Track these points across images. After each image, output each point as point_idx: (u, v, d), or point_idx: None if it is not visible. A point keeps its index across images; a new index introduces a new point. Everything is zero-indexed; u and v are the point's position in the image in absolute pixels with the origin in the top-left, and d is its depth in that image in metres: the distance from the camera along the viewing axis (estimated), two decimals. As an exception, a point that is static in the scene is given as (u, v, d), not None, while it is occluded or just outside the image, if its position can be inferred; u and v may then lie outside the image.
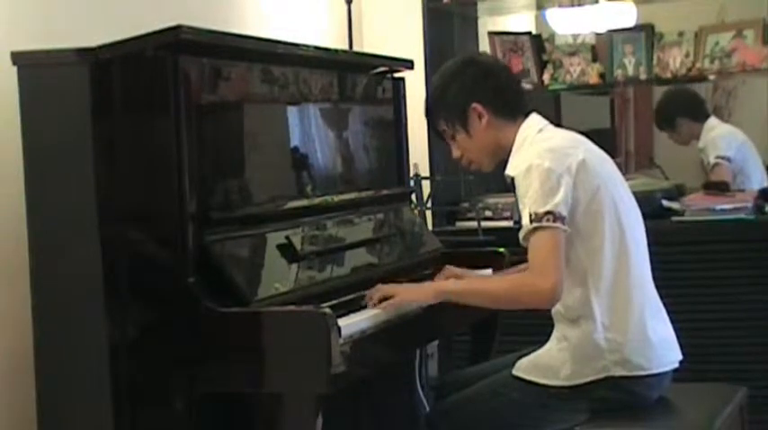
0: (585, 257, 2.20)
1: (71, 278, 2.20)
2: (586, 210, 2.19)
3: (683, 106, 4.37)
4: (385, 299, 2.28)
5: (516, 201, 2.30)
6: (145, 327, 2.14)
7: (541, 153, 2.19)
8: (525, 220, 2.15)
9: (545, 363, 2.26)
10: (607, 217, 2.21)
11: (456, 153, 2.40)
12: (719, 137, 4.24)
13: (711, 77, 3.85)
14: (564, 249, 2.14)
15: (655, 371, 2.23)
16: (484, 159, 2.38)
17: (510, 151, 2.31)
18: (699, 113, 4.36)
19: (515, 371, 2.29)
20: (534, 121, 2.33)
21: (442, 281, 2.47)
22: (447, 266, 2.57)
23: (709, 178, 4.09)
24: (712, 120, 4.35)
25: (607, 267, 2.20)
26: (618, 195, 2.26)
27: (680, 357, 2.31)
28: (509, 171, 2.28)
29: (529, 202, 2.15)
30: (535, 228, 2.13)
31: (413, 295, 2.31)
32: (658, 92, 4.89)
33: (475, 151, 2.36)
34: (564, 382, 2.22)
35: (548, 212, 2.12)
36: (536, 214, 2.13)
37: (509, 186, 2.32)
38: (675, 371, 2.31)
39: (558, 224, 2.12)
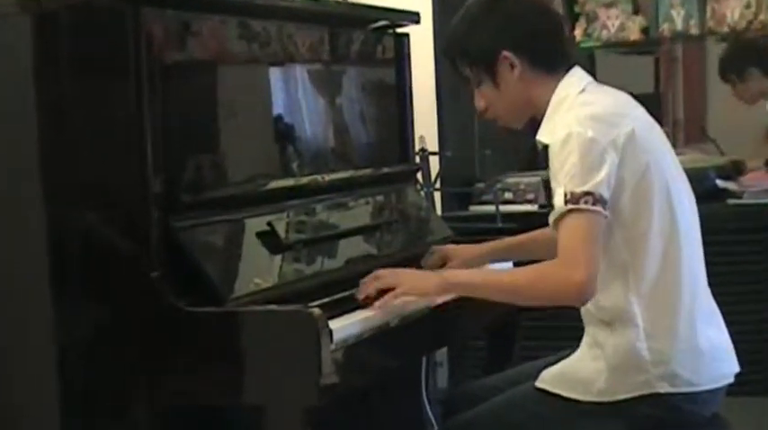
0: (626, 249, 2.19)
1: (12, 270, 2.20)
2: (632, 194, 2.17)
3: (755, 55, 4.35)
4: (383, 291, 2.26)
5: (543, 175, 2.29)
6: (100, 329, 2.14)
7: (583, 120, 2.17)
8: (559, 201, 2.13)
9: (575, 375, 2.26)
10: (656, 201, 2.19)
11: (480, 103, 2.37)
12: None
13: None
14: (602, 238, 2.14)
15: (706, 387, 2.23)
16: (512, 116, 2.37)
17: (544, 111, 2.29)
18: None
19: (539, 384, 2.30)
20: (576, 78, 2.30)
21: (450, 271, 2.48)
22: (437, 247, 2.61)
23: None
24: None
25: (652, 262, 2.19)
26: (670, 174, 2.24)
27: (736, 369, 2.30)
28: (542, 136, 2.26)
29: (565, 179, 2.13)
30: (570, 211, 2.13)
31: (415, 287, 2.28)
32: (712, 50, 4.90)
33: (502, 106, 2.35)
34: (598, 398, 2.22)
35: (587, 193, 2.11)
36: (572, 194, 2.12)
37: (538, 160, 2.32)
38: (731, 385, 2.31)
39: (597, 208, 2.11)
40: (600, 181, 2.12)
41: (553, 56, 2.32)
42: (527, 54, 2.29)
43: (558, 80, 2.30)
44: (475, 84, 2.36)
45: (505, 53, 2.29)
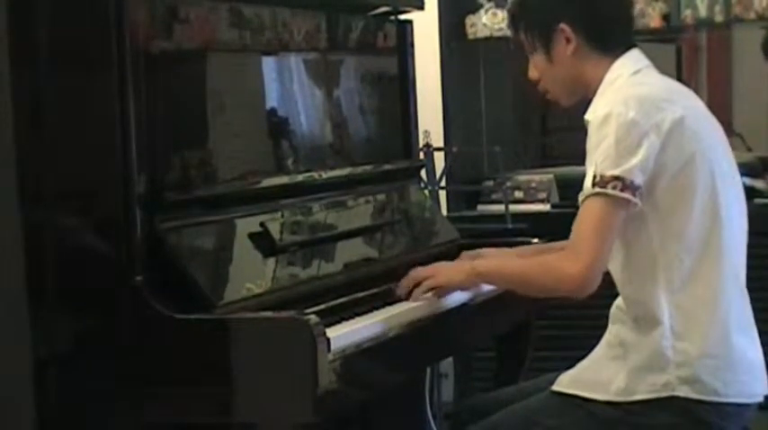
0: (660, 241, 2.20)
1: (-15, 275, 2.21)
2: (673, 183, 2.18)
3: None
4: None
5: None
6: (79, 339, 2.14)
7: (628, 99, 2.19)
8: (587, 182, 2.16)
9: (593, 374, 2.27)
10: (699, 194, 2.20)
11: (533, 74, 2.42)
12: None
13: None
14: (618, 227, 2.15)
15: (733, 400, 2.22)
16: (561, 92, 2.40)
17: (596, 91, 2.31)
18: None
19: (556, 387, 2.30)
20: (632, 59, 2.32)
21: (479, 260, 2.53)
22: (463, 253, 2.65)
23: None
24: None
25: (688, 258, 2.20)
26: (719, 169, 2.25)
27: (767, 391, 2.30)
28: (589, 115, 2.28)
29: (597, 160, 2.15)
30: (596, 194, 2.14)
31: (449, 275, 2.43)
32: (739, 38, 4.89)
33: (553, 80, 2.39)
34: (615, 398, 2.22)
35: (616, 178, 2.13)
36: (602, 177, 2.14)
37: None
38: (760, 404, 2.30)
39: (625, 194, 2.13)
40: (633, 166, 2.13)
41: (612, 36, 2.34)
42: (585, 30, 2.31)
43: (613, 60, 2.32)
44: (529, 51, 2.40)
45: (563, 26, 2.31)
